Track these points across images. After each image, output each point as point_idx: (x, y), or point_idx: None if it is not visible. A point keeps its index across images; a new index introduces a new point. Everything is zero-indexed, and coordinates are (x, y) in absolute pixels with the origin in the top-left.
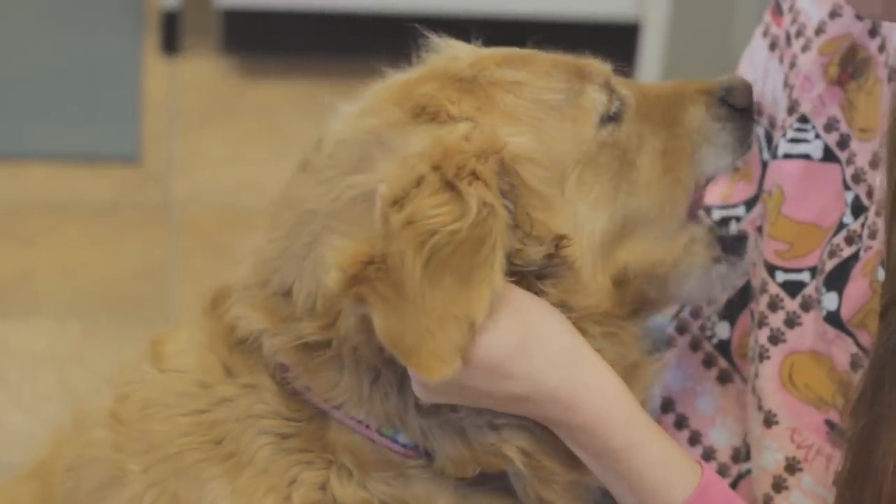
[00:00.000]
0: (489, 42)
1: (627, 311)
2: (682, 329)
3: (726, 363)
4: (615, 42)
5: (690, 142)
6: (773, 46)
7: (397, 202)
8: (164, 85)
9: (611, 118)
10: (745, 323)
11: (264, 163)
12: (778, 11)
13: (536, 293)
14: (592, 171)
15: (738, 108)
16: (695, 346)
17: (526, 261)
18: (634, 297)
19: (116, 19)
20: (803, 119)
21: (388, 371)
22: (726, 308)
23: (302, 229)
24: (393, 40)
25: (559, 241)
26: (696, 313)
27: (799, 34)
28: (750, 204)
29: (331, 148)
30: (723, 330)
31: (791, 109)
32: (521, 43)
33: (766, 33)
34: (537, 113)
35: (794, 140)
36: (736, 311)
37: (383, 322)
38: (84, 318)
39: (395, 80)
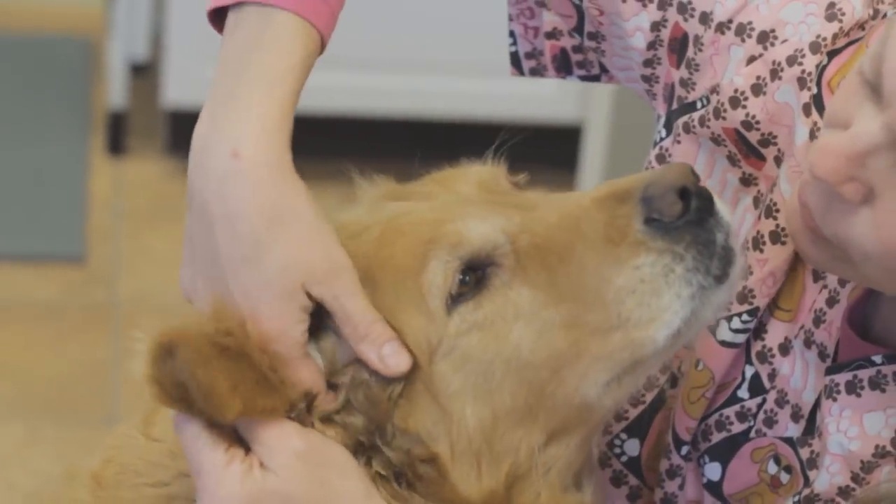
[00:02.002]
0: (430, 146)
1: None
2: None
3: (636, 480)
4: (559, 145)
5: (606, 307)
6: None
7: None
8: (109, 185)
9: (462, 295)
10: (654, 437)
11: None
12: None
13: (396, 496)
14: (450, 362)
15: (675, 221)
16: (603, 462)
17: (384, 464)
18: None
19: (63, 120)
20: (753, 312)
21: None
22: (636, 424)
23: None
24: (321, 141)
25: (428, 455)
26: (603, 430)
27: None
28: None
29: None
30: (632, 447)
31: (744, 298)
32: (464, 146)
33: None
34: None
35: (736, 330)
36: (646, 427)
37: None
38: (27, 418)
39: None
